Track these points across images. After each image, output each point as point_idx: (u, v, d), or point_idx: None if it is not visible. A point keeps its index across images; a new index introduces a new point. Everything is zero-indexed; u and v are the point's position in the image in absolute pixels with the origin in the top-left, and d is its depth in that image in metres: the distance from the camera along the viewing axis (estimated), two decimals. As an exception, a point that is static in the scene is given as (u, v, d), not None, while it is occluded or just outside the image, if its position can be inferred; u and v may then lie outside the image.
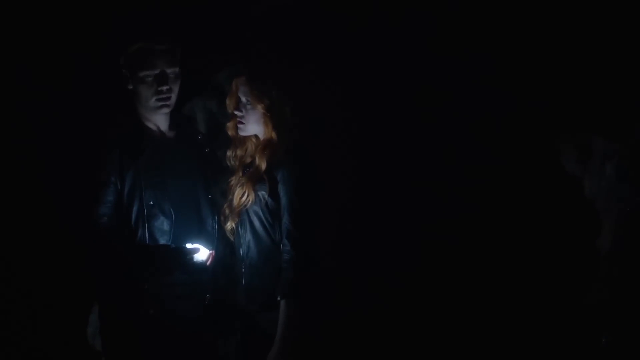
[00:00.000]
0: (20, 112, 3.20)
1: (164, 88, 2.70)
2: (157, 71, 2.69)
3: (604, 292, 2.77)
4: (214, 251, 2.79)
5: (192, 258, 2.72)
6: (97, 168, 2.67)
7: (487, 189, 3.07)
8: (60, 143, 3.06)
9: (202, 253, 2.74)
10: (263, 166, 2.77)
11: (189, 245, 2.73)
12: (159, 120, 2.80)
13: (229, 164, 2.88)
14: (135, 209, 2.70)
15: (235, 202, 2.81)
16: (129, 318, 2.71)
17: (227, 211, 2.87)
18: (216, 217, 2.88)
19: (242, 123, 2.78)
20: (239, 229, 2.86)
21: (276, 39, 3.21)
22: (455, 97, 3.09)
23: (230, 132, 2.86)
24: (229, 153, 2.88)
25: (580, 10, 2.92)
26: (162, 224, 2.74)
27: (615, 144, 2.81)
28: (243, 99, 2.75)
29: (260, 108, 2.74)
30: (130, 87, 2.72)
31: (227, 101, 2.82)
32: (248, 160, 2.88)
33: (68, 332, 3.28)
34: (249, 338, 2.88)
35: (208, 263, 2.77)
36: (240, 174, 2.86)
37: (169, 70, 2.71)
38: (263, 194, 2.77)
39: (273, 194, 2.76)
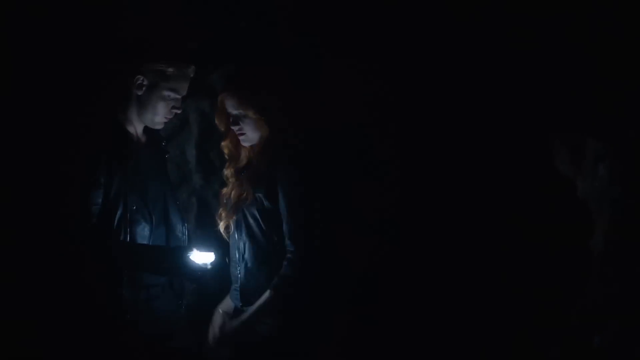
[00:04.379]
0: (6, 113, 3.19)
1: (176, 111, 2.77)
2: (179, 95, 2.76)
3: (597, 292, 2.75)
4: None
5: (206, 263, 2.72)
6: (87, 170, 2.66)
7: (480, 189, 3.06)
8: (48, 144, 3.05)
9: (208, 257, 2.75)
10: (262, 167, 2.77)
11: (198, 252, 2.73)
12: (139, 126, 2.82)
13: (225, 181, 2.89)
14: (119, 213, 2.70)
15: (233, 201, 2.81)
16: (108, 323, 2.71)
17: (222, 214, 2.87)
18: (185, 224, 2.90)
19: (243, 134, 2.79)
20: (235, 230, 2.86)
21: (273, 37, 3.21)
22: (448, 98, 3.09)
23: (226, 150, 2.88)
24: (226, 172, 2.89)
25: (572, 11, 2.92)
26: (143, 229, 2.75)
27: (608, 144, 2.80)
28: (234, 112, 2.77)
29: (252, 114, 2.75)
30: (140, 93, 2.73)
31: (217, 121, 2.84)
32: (243, 163, 2.88)
33: (61, 335, 3.26)
34: (243, 340, 2.88)
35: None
36: (234, 178, 2.86)
37: (184, 95, 2.78)
38: (260, 195, 2.77)
39: (271, 195, 2.76)
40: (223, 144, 2.90)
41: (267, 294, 2.73)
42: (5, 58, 3.18)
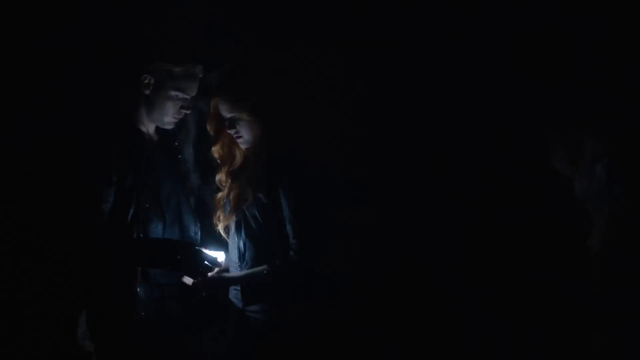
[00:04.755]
0: (19, 109, 3.18)
1: (186, 112, 2.76)
2: (187, 96, 2.75)
3: (595, 291, 2.77)
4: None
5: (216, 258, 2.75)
6: (99, 168, 2.67)
7: (477, 189, 3.07)
8: (60, 142, 3.04)
9: (219, 256, 2.78)
10: (260, 168, 2.78)
11: (209, 251, 2.74)
12: (151, 125, 2.82)
13: (220, 186, 2.89)
14: (131, 211, 2.70)
15: (233, 202, 2.81)
16: (120, 321, 2.71)
17: (220, 216, 2.88)
18: (198, 224, 2.90)
19: (240, 137, 2.80)
20: (235, 231, 2.86)
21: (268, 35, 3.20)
22: (445, 98, 3.10)
23: (216, 155, 2.88)
24: (219, 177, 2.89)
25: (570, 10, 2.92)
26: (157, 228, 2.75)
27: (606, 144, 2.81)
28: (229, 116, 2.78)
29: (245, 116, 2.76)
30: (148, 92, 2.72)
31: (208, 126, 2.85)
32: (238, 164, 2.88)
33: (58, 333, 3.27)
34: (242, 339, 2.89)
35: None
36: (230, 180, 2.87)
37: (193, 95, 2.77)
38: (261, 196, 2.77)
39: (271, 196, 2.77)
40: (214, 148, 2.91)
41: (265, 266, 2.74)
42: (16, 59, 3.18)
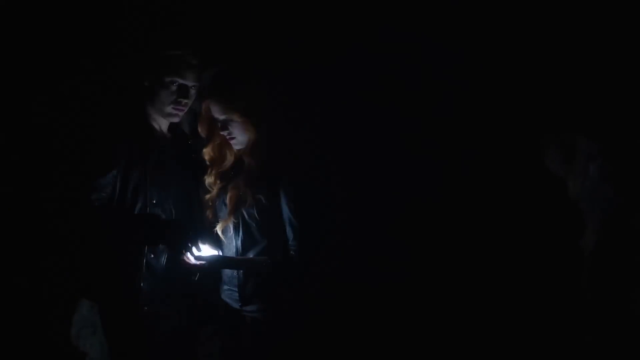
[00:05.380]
0: (27, 102, 3.17)
1: (184, 101, 2.74)
2: (184, 82, 2.72)
3: (588, 292, 2.78)
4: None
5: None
6: (103, 158, 2.67)
7: (471, 189, 3.08)
8: (70, 137, 3.04)
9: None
10: (256, 169, 2.77)
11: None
12: (162, 122, 2.83)
13: (209, 188, 2.89)
14: (138, 206, 2.72)
15: (231, 204, 2.81)
16: (125, 315, 2.72)
17: (211, 215, 2.88)
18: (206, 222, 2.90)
19: (233, 138, 2.79)
20: (233, 231, 2.86)
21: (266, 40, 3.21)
22: (440, 99, 3.10)
23: (207, 157, 2.87)
24: (209, 180, 2.88)
25: (564, 10, 2.92)
26: None
27: (599, 144, 2.82)
28: (221, 117, 2.77)
29: (237, 117, 2.75)
30: (147, 84, 2.73)
31: (200, 128, 2.84)
32: (228, 166, 2.88)
33: (53, 333, 3.27)
34: (239, 339, 2.89)
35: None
36: (220, 182, 2.87)
37: (193, 84, 2.75)
38: (261, 197, 2.77)
39: (271, 197, 2.76)
40: (205, 150, 2.90)
41: (265, 257, 2.75)
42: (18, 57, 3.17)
